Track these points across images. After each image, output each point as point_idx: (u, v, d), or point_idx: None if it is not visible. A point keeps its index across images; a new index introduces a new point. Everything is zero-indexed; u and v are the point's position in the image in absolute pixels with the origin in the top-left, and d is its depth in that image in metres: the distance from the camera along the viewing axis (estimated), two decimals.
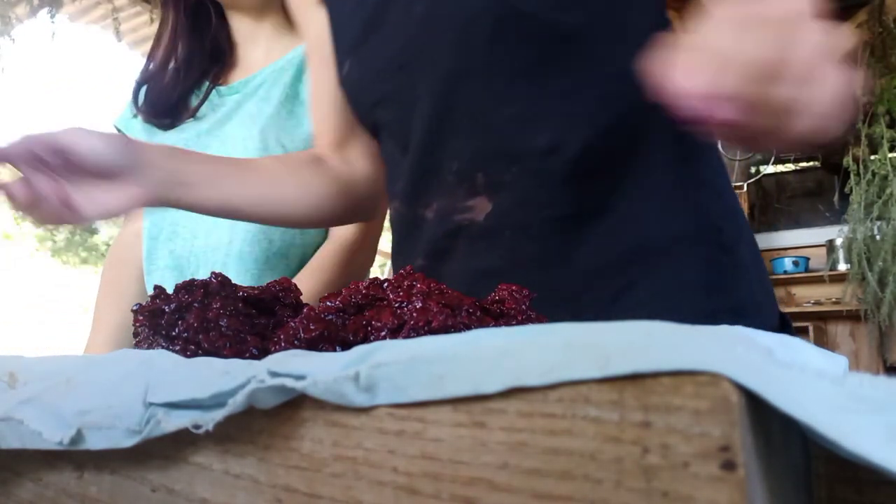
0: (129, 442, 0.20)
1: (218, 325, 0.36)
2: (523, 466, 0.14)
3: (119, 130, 0.89)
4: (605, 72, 0.51)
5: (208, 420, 0.18)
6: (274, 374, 0.18)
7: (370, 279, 0.42)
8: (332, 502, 0.16)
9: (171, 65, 0.83)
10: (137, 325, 0.38)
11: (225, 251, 0.80)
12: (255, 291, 0.40)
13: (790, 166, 3.26)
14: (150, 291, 0.65)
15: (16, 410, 0.23)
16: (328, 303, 0.40)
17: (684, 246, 0.50)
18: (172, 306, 0.38)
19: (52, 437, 0.21)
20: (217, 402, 0.19)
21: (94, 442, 0.21)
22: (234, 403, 0.18)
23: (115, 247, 0.90)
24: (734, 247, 0.52)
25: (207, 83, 0.84)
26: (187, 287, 0.39)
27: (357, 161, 0.70)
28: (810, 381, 0.13)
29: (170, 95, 0.82)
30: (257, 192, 0.63)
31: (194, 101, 0.84)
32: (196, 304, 0.38)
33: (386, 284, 0.41)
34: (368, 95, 0.62)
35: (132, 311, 0.39)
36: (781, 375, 0.12)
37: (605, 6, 0.52)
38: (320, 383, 0.17)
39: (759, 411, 0.13)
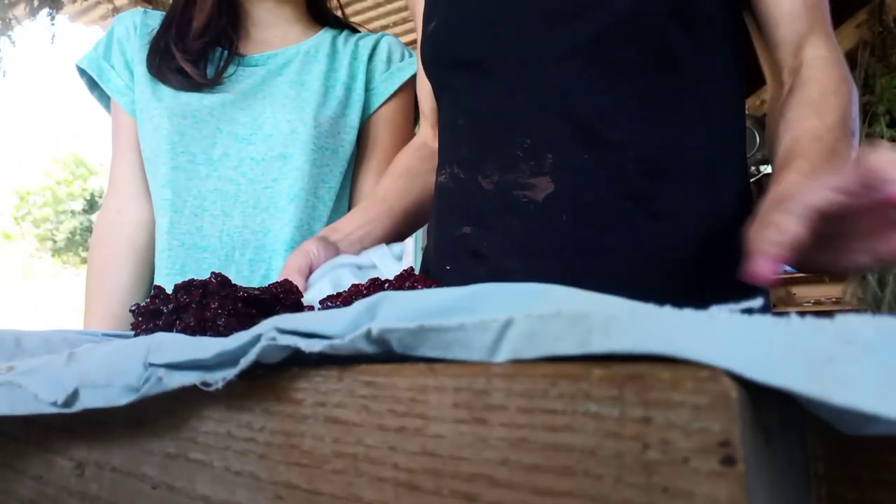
0: (124, 399, 0.20)
1: (216, 325, 0.36)
2: (524, 462, 0.14)
3: (83, 70, 0.85)
4: (698, 93, 0.54)
5: (217, 378, 0.18)
6: (283, 332, 0.18)
7: (371, 279, 0.42)
8: (333, 499, 0.16)
9: (211, 25, 0.80)
10: (135, 326, 0.38)
11: (274, 237, 0.78)
12: (256, 292, 0.40)
13: None
14: (171, 269, 0.66)
15: (15, 377, 0.23)
16: (329, 304, 0.40)
17: (725, 271, 0.53)
18: (170, 307, 0.38)
19: (48, 397, 0.21)
20: (220, 360, 0.19)
21: (88, 400, 0.21)
22: (247, 361, 0.18)
23: (100, 232, 0.82)
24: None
25: (221, 49, 0.82)
26: (186, 287, 0.39)
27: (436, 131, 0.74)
28: (793, 331, 0.12)
29: (197, 54, 0.79)
30: (403, 233, 0.72)
31: (209, 65, 0.80)
32: (194, 305, 0.38)
33: (387, 285, 0.41)
34: (453, 54, 0.61)
35: (130, 311, 0.39)
36: (767, 344, 0.12)
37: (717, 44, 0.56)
38: (336, 345, 0.17)
39: (759, 407, 0.13)
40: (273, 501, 0.18)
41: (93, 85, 0.87)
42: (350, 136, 0.84)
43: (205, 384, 0.19)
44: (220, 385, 0.18)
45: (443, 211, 0.63)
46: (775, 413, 0.15)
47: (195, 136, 0.79)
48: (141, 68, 0.81)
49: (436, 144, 0.70)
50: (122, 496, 0.21)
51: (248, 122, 0.80)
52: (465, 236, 0.58)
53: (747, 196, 0.57)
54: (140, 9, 0.88)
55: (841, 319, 0.12)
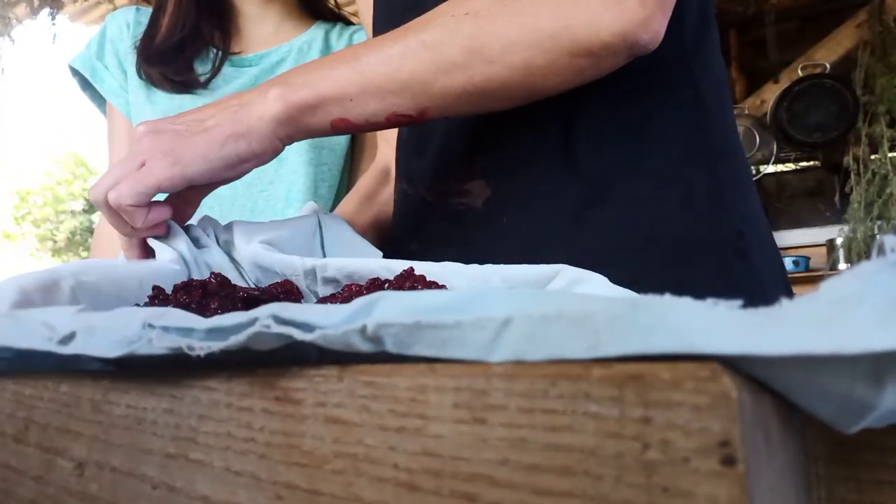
0: (116, 352, 0.20)
1: None
2: (524, 462, 0.14)
3: (75, 70, 0.84)
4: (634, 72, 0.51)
5: (204, 347, 0.19)
6: (279, 321, 0.18)
7: (370, 279, 0.42)
8: (333, 499, 0.16)
9: (178, 25, 0.79)
10: None
11: None
12: (256, 292, 0.40)
13: (790, 166, 3.26)
14: None
15: (22, 313, 0.23)
16: (328, 303, 0.40)
17: (696, 245, 0.49)
18: (170, 307, 0.38)
19: (47, 333, 0.22)
20: (212, 335, 0.19)
21: (83, 345, 0.21)
22: (236, 340, 0.18)
23: (99, 235, 0.84)
24: (751, 254, 0.50)
25: (213, 49, 0.81)
26: (185, 288, 0.39)
27: None
28: (789, 308, 0.12)
29: (176, 55, 0.79)
30: None
31: (199, 65, 0.80)
32: (193, 305, 0.38)
33: (387, 285, 0.41)
34: None
35: None
36: (768, 324, 0.12)
37: None
38: (329, 336, 0.17)
39: (759, 407, 0.13)
40: (273, 501, 0.18)
41: (85, 84, 0.86)
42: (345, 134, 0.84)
43: (190, 348, 0.19)
44: (202, 353, 0.19)
45: (396, 229, 0.63)
46: (775, 413, 0.15)
47: None
48: (133, 69, 0.81)
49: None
50: (123, 496, 0.21)
51: None
52: (412, 253, 0.56)
53: (707, 178, 0.51)
54: (133, 6, 0.87)
55: (825, 285, 0.13)
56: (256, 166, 0.46)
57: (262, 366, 0.19)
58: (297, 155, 0.78)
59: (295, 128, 0.45)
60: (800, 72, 2.65)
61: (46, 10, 2.56)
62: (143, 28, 0.82)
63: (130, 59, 0.81)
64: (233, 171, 0.45)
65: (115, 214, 0.44)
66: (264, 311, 0.18)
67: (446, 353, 0.16)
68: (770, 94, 2.77)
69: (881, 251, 0.13)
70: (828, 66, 2.62)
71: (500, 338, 0.15)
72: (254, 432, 0.18)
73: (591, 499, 0.13)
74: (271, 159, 0.46)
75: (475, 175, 0.53)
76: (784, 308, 0.12)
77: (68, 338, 0.22)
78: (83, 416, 0.23)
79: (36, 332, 0.23)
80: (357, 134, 0.85)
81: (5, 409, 0.26)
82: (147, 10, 0.86)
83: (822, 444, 0.18)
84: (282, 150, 0.46)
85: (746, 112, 2.83)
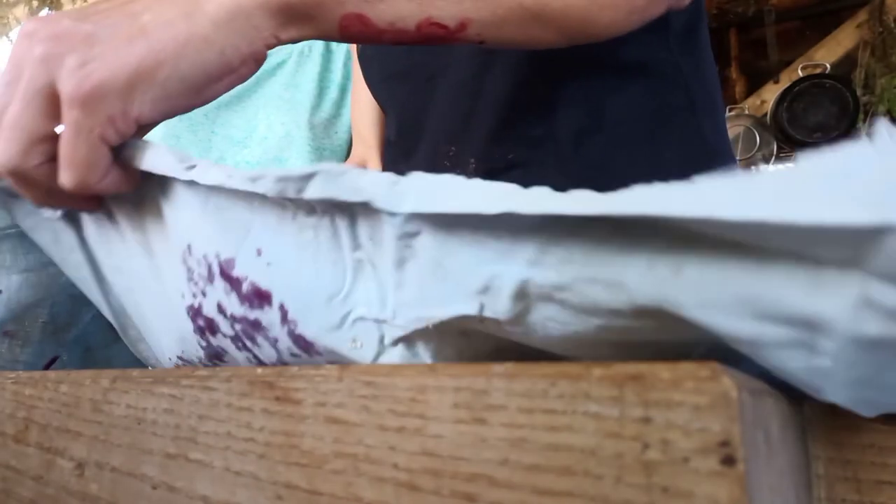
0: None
1: None
2: (524, 462, 0.14)
3: None
4: (605, 62, 0.50)
5: (241, 182, 0.23)
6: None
7: None
8: (333, 499, 0.16)
9: None
10: None
11: None
12: None
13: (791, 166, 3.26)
14: None
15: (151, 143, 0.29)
16: None
17: None
18: None
19: (175, 162, 0.26)
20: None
21: (201, 174, 0.25)
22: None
23: None
24: None
25: None
26: None
27: None
28: (795, 177, 0.12)
29: None
30: None
31: None
32: None
33: None
34: (379, 71, 0.61)
35: None
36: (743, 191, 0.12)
37: None
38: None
39: (759, 407, 0.13)
40: (273, 501, 0.18)
41: None
42: (346, 136, 0.84)
43: (230, 176, 0.24)
44: (237, 186, 0.24)
45: None
46: (775, 413, 0.15)
47: (191, 140, 0.79)
48: None
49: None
50: (123, 496, 0.21)
51: (243, 125, 0.80)
52: None
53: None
54: None
55: (804, 161, 0.12)
56: (231, 87, 0.31)
57: (261, 365, 0.19)
58: (298, 158, 0.78)
59: (288, 24, 0.31)
60: (800, 72, 2.65)
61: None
62: None
63: None
64: (195, 98, 0.29)
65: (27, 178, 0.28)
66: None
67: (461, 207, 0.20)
68: (770, 94, 2.77)
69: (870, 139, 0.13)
70: (828, 66, 2.62)
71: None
72: (254, 432, 0.18)
73: (591, 499, 0.13)
74: (252, 74, 0.32)
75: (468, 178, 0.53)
76: (762, 177, 0.12)
77: (192, 167, 0.26)
78: (83, 416, 0.23)
79: (166, 160, 0.27)
80: None
81: (5, 409, 0.26)
82: None
83: (822, 444, 0.18)
84: (265, 59, 0.31)
85: (746, 112, 2.83)
